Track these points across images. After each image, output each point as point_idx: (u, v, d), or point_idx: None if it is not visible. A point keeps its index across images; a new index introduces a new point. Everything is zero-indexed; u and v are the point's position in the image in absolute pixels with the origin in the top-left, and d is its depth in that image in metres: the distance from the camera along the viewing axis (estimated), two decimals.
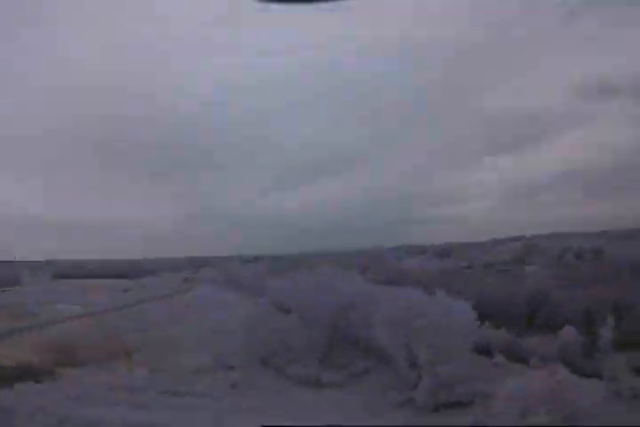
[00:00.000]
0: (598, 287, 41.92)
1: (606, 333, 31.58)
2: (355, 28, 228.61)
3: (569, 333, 32.45)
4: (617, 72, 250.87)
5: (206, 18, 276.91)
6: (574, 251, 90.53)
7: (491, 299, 42.07)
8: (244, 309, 63.19)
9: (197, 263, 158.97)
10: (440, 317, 29.29)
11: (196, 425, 25.74)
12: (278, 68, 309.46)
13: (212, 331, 49.80)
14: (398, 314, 31.50)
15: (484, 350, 33.81)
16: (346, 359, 39.48)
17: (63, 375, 32.88)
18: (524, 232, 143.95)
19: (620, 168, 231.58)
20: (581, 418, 17.10)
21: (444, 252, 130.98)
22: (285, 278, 71.00)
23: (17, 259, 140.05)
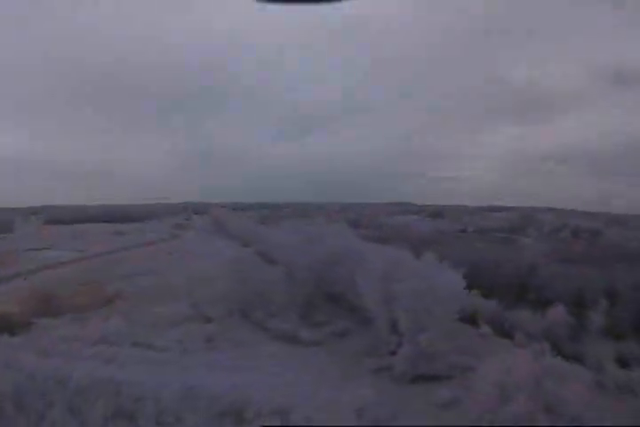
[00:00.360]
0: (593, 269, 40.43)
1: (597, 317, 30.44)
2: None
3: (558, 312, 31.24)
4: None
5: None
6: (571, 228, 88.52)
7: (481, 267, 40.66)
8: (229, 258, 62.52)
9: (192, 209, 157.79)
10: (426, 281, 27.72)
11: (165, 382, 24.84)
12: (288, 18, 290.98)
13: (194, 280, 48.97)
14: (382, 275, 30.15)
15: (470, 320, 32.82)
16: (327, 317, 38.87)
17: (38, 327, 32.07)
18: (523, 204, 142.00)
19: (629, 153, 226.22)
20: (563, 408, 15.95)
21: (439, 213, 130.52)
22: (275, 228, 70.20)
23: (10, 205, 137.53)
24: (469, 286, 29.84)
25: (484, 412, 17.13)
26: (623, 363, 25.57)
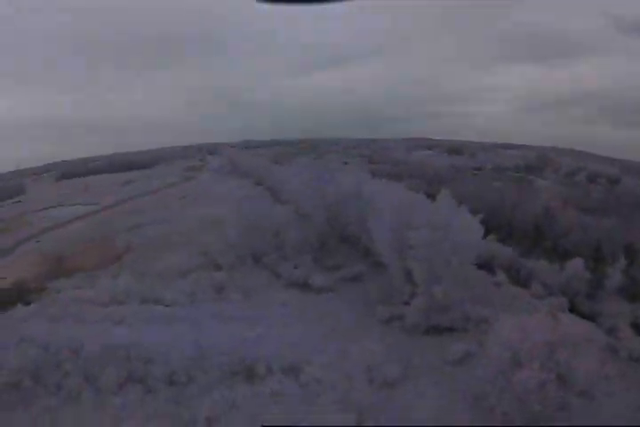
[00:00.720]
0: (611, 220, 37.61)
1: (615, 275, 28.42)
2: None
3: (576, 266, 29.53)
4: None
5: None
6: (588, 172, 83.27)
7: (498, 209, 38.42)
8: (242, 199, 61.36)
9: (207, 151, 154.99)
10: (442, 228, 25.77)
11: (175, 342, 24.80)
12: None
13: (205, 225, 48.14)
14: (396, 221, 28.07)
15: (486, 266, 31.15)
16: (340, 260, 37.91)
17: (50, 292, 32.27)
18: (538, 143, 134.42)
19: None
20: (574, 379, 14.94)
21: (455, 149, 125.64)
22: (288, 167, 67.85)
23: (21, 167, 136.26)
24: (486, 230, 27.71)
25: (495, 374, 16.54)
26: (638, 327, 24.46)
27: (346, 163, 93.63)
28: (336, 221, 41.14)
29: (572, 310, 27.09)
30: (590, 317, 26.27)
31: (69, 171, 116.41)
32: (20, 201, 79.60)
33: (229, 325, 27.28)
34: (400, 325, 25.80)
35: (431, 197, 48.57)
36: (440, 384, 20.20)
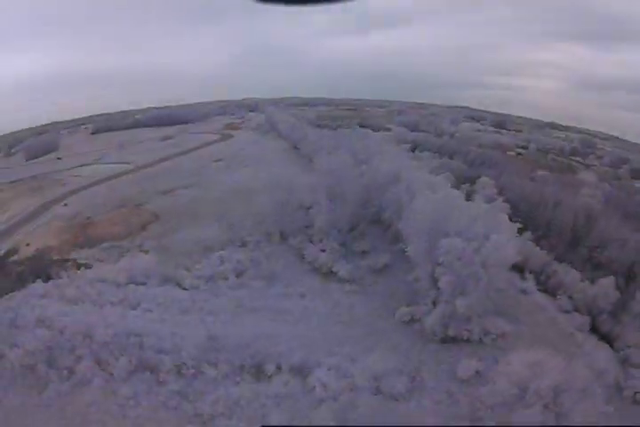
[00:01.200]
0: None
1: None
2: None
3: (607, 284, 27.86)
4: None
5: None
6: (632, 166, 77.20)
7: (538, 205, 35.28)
8: (275, 169, 60.14)
9: (248, 107, 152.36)
10: (477, 240, 24.45)
11: (187, 333, 24.99)
12: None
13: (237, 194, 47.23)
14: (432, 225, 26.32)
15: (517, 266, 29.13)
16: (367, 245, 36.50)
17: (71, 267, 33.03)
18: (585, 127, 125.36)
19: None
20: (573, 420, 15.21)
21: (502, 124, 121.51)
22: (328, 135, 65.60)
23: (58, 119, 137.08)
24: (523, 226, 25.46)
25: (499, 406, 16.73)
26: None
27: (389, 129, 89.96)
28: (370, 203, 39.40)
29: (592, 328, 26.61)
30: (609, 338, 25.71)
31: (106, 125, 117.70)
32: (59, 158, 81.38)
33: (245, 317, 27.39)
34: (419, 328, 25.26)
35: (471, 182, 45.77)
36: (442, 405, 19.90)
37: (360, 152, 46.53)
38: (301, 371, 22.52)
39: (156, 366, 23.23)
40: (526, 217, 27.06)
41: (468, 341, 23.84)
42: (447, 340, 24.11)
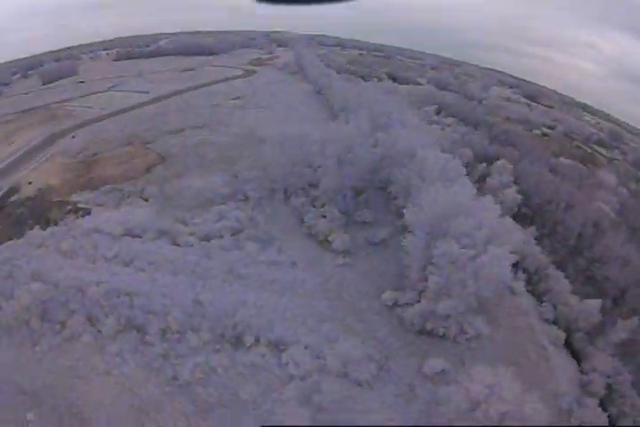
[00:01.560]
0: None
1: (623, 330, 25.78)
2: None
3: (592, 307, 27.40)
4: None
5: None
6: None
7: (550, 204, 33.39)
8: (294, 114, 58.09)
9: (277, 41, 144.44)
10: (475, 248, 23.99)
11: (175, 296, 25.89)
12: None
13: (248, 141, 46.35)
14: (435, 217, 26.03)
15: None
16: (370, 215, 36.04)
17: (70, 213, 33.78)
18: (615, 114, 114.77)
19: None
20: None
21: (534, 96, 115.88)
22: (353, 89, 62.18)
23: (81, 42, 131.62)
24: (530, 220, 24.49)
25: (454, 414, 17.61)
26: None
27: (419, 84, 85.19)
28: (379, 173, 38.29)
29: (567, 342, 26.96)
30: (580, 356, 26.11)
31: (129, 52, 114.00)
32: (82, 81, 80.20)
33: (234, 284, 28.01)
34: (400, 314, 25.88)
35: (489, 162, 43.59)
36: (402, 399, 20.90)
37: (380, 116, 44.28)
38: (278, 346, 23.58)
39: (142, 327, 24.54)
40: (536, 211, 25.93)
41: (443, 337, 24.46)
42: (424, 332, 24.81)
